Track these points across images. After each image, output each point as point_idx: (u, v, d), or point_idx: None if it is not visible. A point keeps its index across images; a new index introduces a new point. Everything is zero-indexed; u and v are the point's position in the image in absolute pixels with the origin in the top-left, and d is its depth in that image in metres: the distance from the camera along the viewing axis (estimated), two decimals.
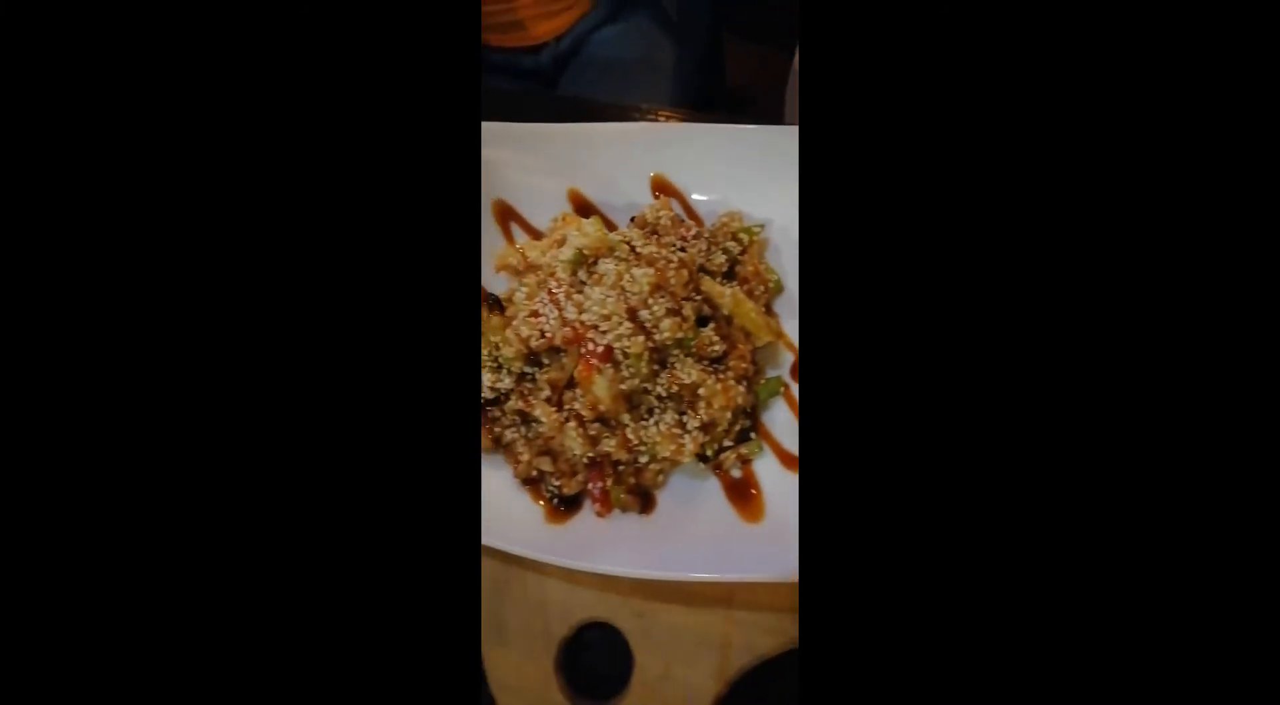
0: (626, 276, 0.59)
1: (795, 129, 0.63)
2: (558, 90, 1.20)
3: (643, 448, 0.60)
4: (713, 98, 1.29)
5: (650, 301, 0.59)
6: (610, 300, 0.58)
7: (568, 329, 0.59)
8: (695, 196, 0.69)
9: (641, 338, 0.57)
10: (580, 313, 0.59)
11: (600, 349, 0.57)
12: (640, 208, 0.69)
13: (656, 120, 0.82)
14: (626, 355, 0.58)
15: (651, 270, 0.59)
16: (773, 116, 1.26)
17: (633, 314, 0.58)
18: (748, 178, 0.67)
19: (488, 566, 0.64)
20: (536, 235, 0.71)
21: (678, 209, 0.69)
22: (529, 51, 1.21)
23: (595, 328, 0.58)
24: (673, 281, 0.60)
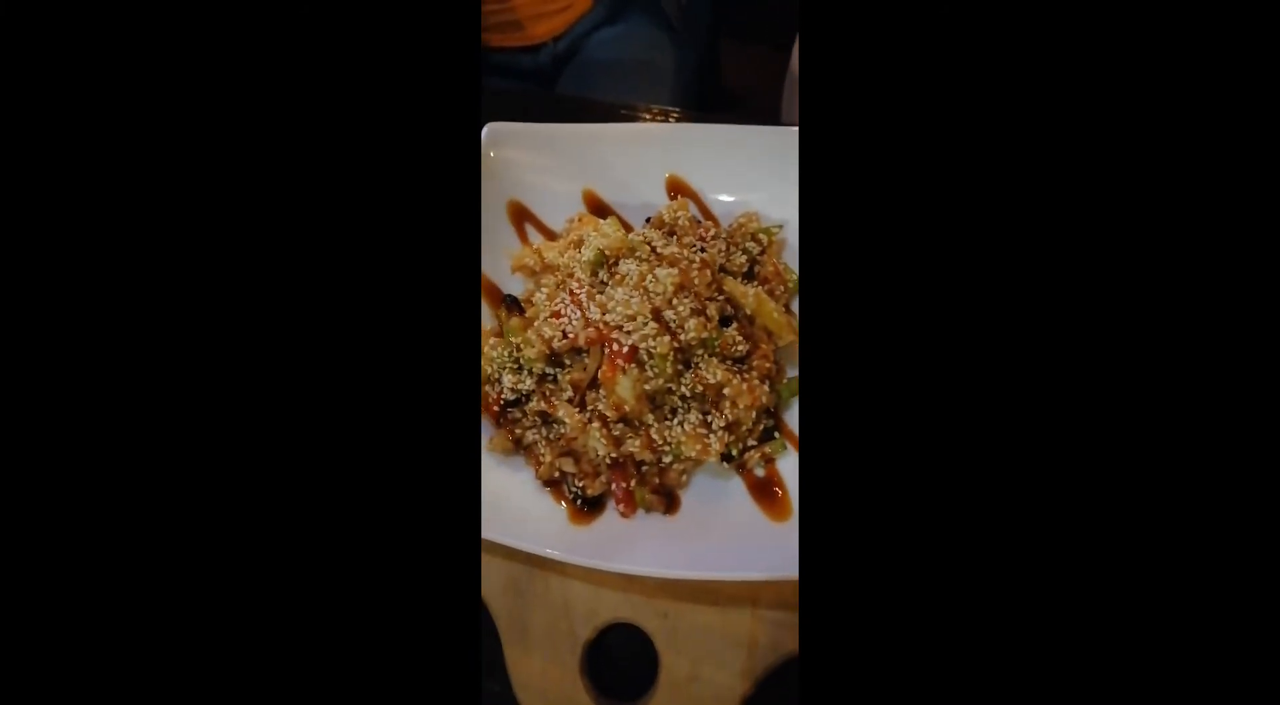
0: (650, 277, 0.59)
1: None
2: (556, 90, 1.20)
3: (667, 448, 0.60)
4: (709, 98, 1.30)
5: (674, 301, 0.59)
6: (635, 300, 0.58)
7: (591, 329, 0.59)
8: (711, 197, 0.70)
9: (667, 338, 0.57)
10: (604, 313, 0.59)
11: (625, 349, 0.57)
12: (655, 208, 0.69)
13: (665, 121, 0.82)
14: (652, 355, 0.58)
15: (675, 270, 0.59)
16: (769, 116, 1.27)
17: (657, 314, 0.58)
18: (763, 178, 0.67)
19: (509, 569, 0.63)
20: (551, 236, 0.71)
21: (693, 210, 0.70)
22: (527, 51, 1.20)
23: (619, 328, 0.58)
24: (696, 281, 0.60)
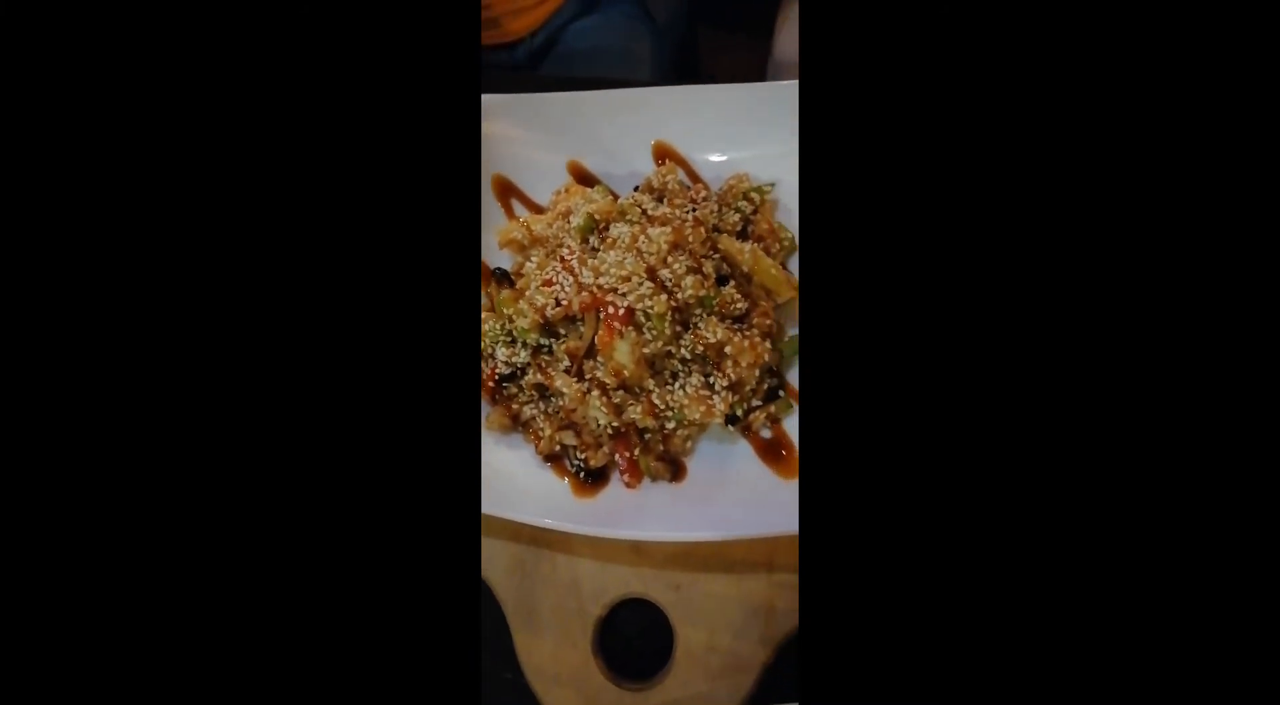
0: (642, 237, 0.58)
1: (795, 84, 0.63)
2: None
3: (670, 413, 0.58)
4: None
5: (669, 260, 0.57)
6: (628, 261, 0.56)
7: (585, 294, 0.57)
8: (699, 159, 0.68)
9: (664, 297, 0.56)
10: (597, 277, 0.57)
11: (621, 312, 0.56)
12: (642, 177, 0.68)
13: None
14: (649, 316, 0.56)
15: (668, 229, 0.58)
16: None
17: (652, 273, 0.57)
18: (751, 137, 0.66)
19: (513, 550, 0.61)
20: (538, 210, 0.70)
21: (682, 176, 0.68)
22: (504, 48, 1.19)
23: (614, 290, 0.56)
24: (690, 239, 0.58)
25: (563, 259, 0.59)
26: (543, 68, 1.18)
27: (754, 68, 1.31)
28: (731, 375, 0.57)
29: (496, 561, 0.61)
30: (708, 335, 0.57)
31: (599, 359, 0.58)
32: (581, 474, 0.60)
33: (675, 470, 0.59)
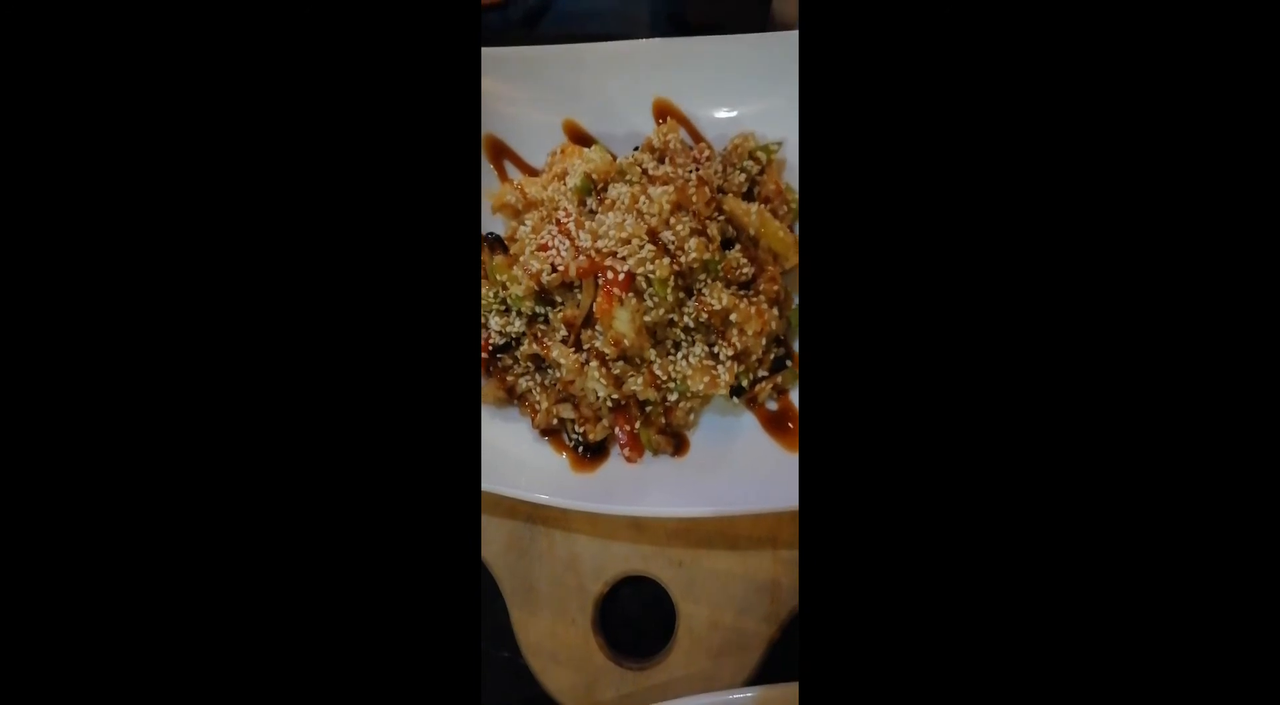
0: (643, 198, 0.55)
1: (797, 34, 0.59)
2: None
3: (671, 384, 0.55)
4: None
5: (672, 221, 0.54)
6: (628, 223, 0.53)
7: (583, 259, 0.54)
8: (703, 116, 0.65)
9: (666, 260, 0.53)
10: (595, 240, 0.54)
11: (621, 277, 0.53)
12: (642, 137, 0.64)
13: None
14: (650, 281, 0.53)
15: (670, 188, 0.55)
16: None
17: (654, 235, 0.54)
18: (758, 92, 0.63)
19: (509, 527, 0.59)
20: (532, 172, 0.66)
21: (684, 136, 0.65)
22: (497, 8, 1.15)
23: (614, 254, 0.53)
24: (694, 199, 0.55)
25: (559, 222, 0.56)
26: (538, 29, 1.14)
27: (747, 25, 1.26)
28: (737, 344, 0.55)
29: (492, 538, 0.59)
30: (712, 302, 0.54)
31: (598, 328, 0.55)
32: (580, 448, 0.58)
33: (677, 444, 0.57)
